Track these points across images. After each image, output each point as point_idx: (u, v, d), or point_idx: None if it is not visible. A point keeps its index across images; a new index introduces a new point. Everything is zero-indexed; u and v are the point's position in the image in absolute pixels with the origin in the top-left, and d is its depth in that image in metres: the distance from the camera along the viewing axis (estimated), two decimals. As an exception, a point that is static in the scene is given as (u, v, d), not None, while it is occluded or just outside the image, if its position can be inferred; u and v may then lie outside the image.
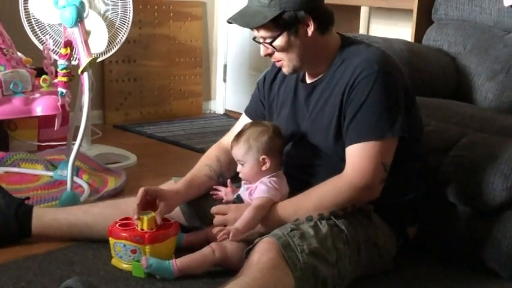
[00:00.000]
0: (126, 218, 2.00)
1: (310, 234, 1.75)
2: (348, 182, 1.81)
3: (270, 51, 1.89)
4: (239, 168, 1.98)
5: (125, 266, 1.94)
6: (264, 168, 1.94)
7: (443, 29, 2.96)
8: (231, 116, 4.43)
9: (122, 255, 1.93)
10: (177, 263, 1.87)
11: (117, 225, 1.96)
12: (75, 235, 2.13)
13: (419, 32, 3.05)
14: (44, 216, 2.12)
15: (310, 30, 1.87)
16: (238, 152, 1.96)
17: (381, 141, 1.81)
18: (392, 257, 1.99)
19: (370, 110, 1.81)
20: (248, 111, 2.20)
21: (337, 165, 1.86)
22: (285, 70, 1.95)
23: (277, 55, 1.90)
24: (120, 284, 1.86)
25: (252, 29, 1.88)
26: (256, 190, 1.92)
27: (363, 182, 1.80)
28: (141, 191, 1.96)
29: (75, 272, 1.93)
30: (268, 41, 1.87)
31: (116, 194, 2.68)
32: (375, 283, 1.93)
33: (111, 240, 1.95)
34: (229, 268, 1.86)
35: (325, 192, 1.83)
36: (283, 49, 1.88)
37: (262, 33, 1.87)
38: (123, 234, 1.92)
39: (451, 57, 2.86)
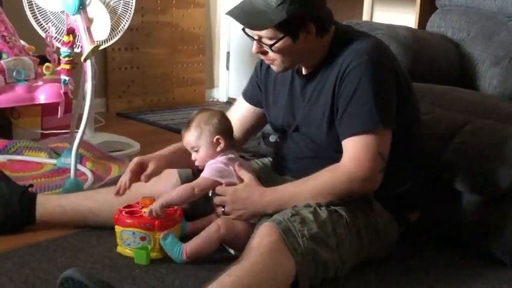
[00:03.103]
0: (129, 206, 2.01)
1: (310, 219, 1.76)
2: (345, 173, 1.81)
3: (263, 49, 1.86)
4: (193, 156, 2.00)
5: (131, 253, 1.94)
6: (218, 148, 1.97)
7: (447, 15, 2.95)
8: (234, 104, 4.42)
9: (130, 243, 1.94)
10: (186, 250, 1.89)
11: (123, 213, 1.96)
12: (79, 222, 2.14)
13: (423, 19, 3.04)
14: (47, 204, 2.13)
15: (311, 36, 1.84)
16: (190, 139, 1.99)
17: (374, 132, 1.80)
18: (394, 242, 2.00)
19: (360, 101, 1.80)
20: (245, 94, 2.20)
21: (332, 156, 1.86)
22: (275, 69, 1.92)
23: (271, 55, 1.86)
24: (124, 271, 1.88)
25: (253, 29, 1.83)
26: (204, 170, 1.96)
27: (361, 173, 1.80)
28: (131, 164, 2.00)
29: (79, 259, 1.95)
30: (268, 42, 1.82)
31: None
32: (376, 268, 1.94)
33: (118, 228, 1.96)
34: (236, 248, 1.89)
35: (323, 182, 1.83)
36: (280, 52, 1.84)
37: (263, 32, 1.80)
38: (132, 221, 1.93)
39: (455, 43, 2.86)
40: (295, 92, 2.00)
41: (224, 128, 1.99)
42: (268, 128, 2.29)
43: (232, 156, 1.98)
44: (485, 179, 2.00)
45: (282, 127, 2.04)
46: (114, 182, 2.62)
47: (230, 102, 4.59)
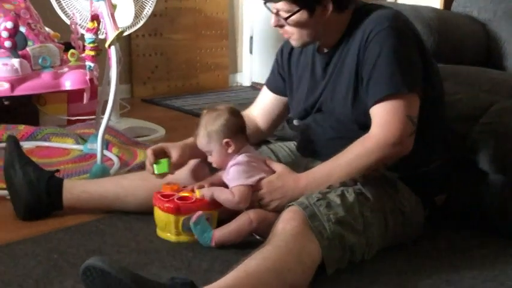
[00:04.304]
0: (158, 192, 1.99)
1: (337, 203, 1.76)
2: (376, 141, 1.80)
3: (281, 23, 1.87)
4: (209, 158, 1.98)
5: (192, 238, 1.93)
6: (229, 150, 1.93)
7: (473, -5, 2.90)
8: (257, 88, 4.40)
9: (190, 227, 1.93)
10: (215, 238, 1.89)
11: (176, 200, 1.93)
12: (106, 207, 2.15)
13: (449, -1, 3.00)
14: (74, 189, 2.15)
15: (328, 11, 1.85)
16: (201, 144, 1.96)
17: (400, 96, 1.80)
18: (420, 224, 1.98)
19: (384, 66, 1.80)
20: (268, 84, 2.20)
21: (358, 135, 1.85)
22: (294, 43, 1.93)
23: (288, 29, 1.88)
24: (151, 255, 1.89)
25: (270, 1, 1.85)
26: (228, 177, 1.92)
27: (391, 138, 1.78)
28: (149, 150, 2.00)
29: (107, 244, 1.96)
30: (285, 15, 1.84)
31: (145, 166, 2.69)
32: (403, 251, 1.93)
33: (180, 218, 1.92)
34: (265, 237, 1.84)
35: (355, 156, 1.82)
36: (297, 25, 1.86)
37: (279, 5, 1.83)
38: (197, 206, 1.92)
39: (481, 23, 2.81)
40: (317, 71, 1.99)
41: (233, 127, 1.93)
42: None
43: (249, 154, 1.94)
44: (512, 160, 1.97)
45: (305, 110, 2.03)
46: (140, 167, 2.64)
47: (254, 86, 4.58)
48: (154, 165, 1.98)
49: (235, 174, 1.90)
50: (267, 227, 1.79)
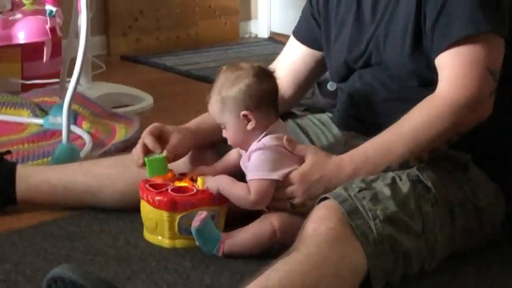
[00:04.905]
0: (146, 181, 1.99)
1: (386, 195, 1.75)
2: (448, 102, 1.80)
3: None
4: (224, 133, 1.95)
5: (190, 242, 1.95)
6: (249, 127, 1.89)
7: None
8: (278, 41, 4.41)
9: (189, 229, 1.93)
10: (224, 247, 1.88)
11: (171, 191, 1.94)
12: (74, 202, 2.17)
13: None
14: (31, 178, 2.15)
15: None
16: (213, 112, 1.94)
17: (479, 40, 1.80)
18: (498, 224, 1.98)
19: (459, 0, 1.80)
20: (297, 33, 2.20)
21: (420, 94, 1.85)
22: None
23: None
24: (136, 265, 1.89)
25: None
26: (249, 167, 1.90)
27: (467, 96, 1.79)
28: (145, 131, 2.00)
29: (77, 251, 1.96)
30: None
31: (127, 147, 2.71)
32: (474, 259, 1.93)
33: (176, 215, 1.93)
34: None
35: (420, 124, 1.82)
36: None
37: None
38: (198, 201, 1.93)
39: None
40: (365, 11, 2.00)
41: (257, 96, 1.89)
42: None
43: (279, 135, 1.91)
44: None
45: (347, 66, 2.04)
46: (119, 149, 2.64)
47: (273, 38, 4.57)
48: (147, 162, 1.96)
49: (257, 163, 1.89)
50: (292, 236, 1.77)
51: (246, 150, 1.93)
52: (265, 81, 1.91)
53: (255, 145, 1.90)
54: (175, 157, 2.01)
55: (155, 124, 2.03)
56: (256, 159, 1.89)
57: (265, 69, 1.95)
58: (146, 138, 1.98)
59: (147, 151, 1.98)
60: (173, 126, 2.04)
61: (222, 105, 1.91)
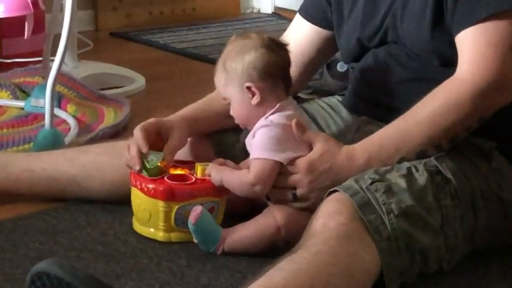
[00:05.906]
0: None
1: (401, 187, 1.75)
2: (468, 85, 1.80)
3: None
4: (231, 110, 1.96)
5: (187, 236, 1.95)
6: (254, 101, 1.89)
7: None
8: (283, 17, 4.41)
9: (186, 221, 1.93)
10: (224, 245, 1.89)
11: (167, 179, 1.95)
12: (58, 192, 2.17)
13: None
14: (11, 167, 2.16)
15: None
16: (217, 84, 1.95)
17: (504, 17, 1.79)
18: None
19: None
20: (305, 11, 2.20)
21: (440, 75, 1.85)
22: None
23: None
24: (125, 262, 1.89)
25: None
26: (253, 144, 1.90)
27: (489, 79, 1.78)
28: (138, 128, 1.98)
29: (61, 246, 1.96)
30: None
31: (116, 132, 2.73)
32: (499, 259, 1.93)
33: (174, 206, 1.94)
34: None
35: (438, 110, 1.81)
36: None
37: None
38: (198, 190, 1.93)
39: None
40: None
41: (264, 68, 1.88)
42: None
43: (290, 113, 1.90)
44: None
45: (360, 45, 2.04)
46: (108, 134, 2.64)
47: (278, 14, 4.57)
48: (145, 171, 1.95)
49: (261, 141, 1.88)
50: (298, 233, 1.77)
51: (251, 126, 1.93)
52: (274, 52, 1.91)
53: (261, 122, 1.90)
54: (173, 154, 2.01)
55: (150, 121, 2.02)
56: (260, 137, 1.88)
57: (277, 40, 1.95)
58: (140, 140, 1.96)
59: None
60: (171, 120, 2.03)
61: (226, 76, 1.91)
